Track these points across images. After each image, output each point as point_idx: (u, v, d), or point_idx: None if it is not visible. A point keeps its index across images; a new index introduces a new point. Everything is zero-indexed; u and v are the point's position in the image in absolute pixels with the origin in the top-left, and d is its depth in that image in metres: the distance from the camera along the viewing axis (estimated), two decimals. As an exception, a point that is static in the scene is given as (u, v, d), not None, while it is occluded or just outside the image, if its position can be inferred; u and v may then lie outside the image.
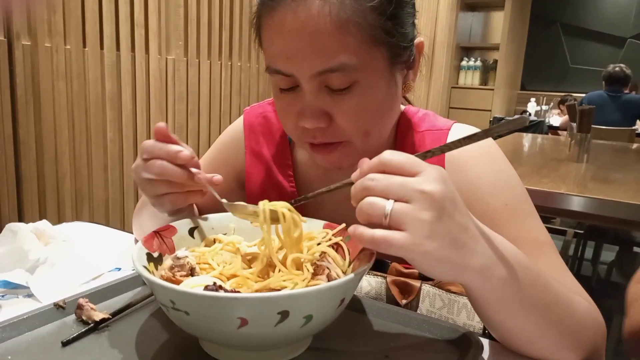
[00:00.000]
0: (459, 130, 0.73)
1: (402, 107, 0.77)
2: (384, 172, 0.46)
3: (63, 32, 1.85)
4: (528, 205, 0.67)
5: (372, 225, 0.45)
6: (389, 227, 0.44)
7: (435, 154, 0.51)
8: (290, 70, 0.60)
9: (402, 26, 0.62)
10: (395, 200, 0.44)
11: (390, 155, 0.46)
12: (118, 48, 2.04)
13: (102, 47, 1.98)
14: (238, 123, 0.87)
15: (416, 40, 0.66)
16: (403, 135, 0.73)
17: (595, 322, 0.59)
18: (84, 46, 1.93)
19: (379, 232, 0.44)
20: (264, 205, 0.57)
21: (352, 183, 0.50)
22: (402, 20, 0.62)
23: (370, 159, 0.48)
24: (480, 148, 0.68)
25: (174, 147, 0.62)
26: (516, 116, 0.47)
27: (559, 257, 0.65)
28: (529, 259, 0.53)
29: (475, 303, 0.54)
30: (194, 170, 0.63)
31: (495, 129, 0.48)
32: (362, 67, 0.59)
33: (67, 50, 1.87)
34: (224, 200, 0.65)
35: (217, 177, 0.65)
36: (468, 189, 0.65)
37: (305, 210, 0.65)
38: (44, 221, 0.82)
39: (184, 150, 0.62)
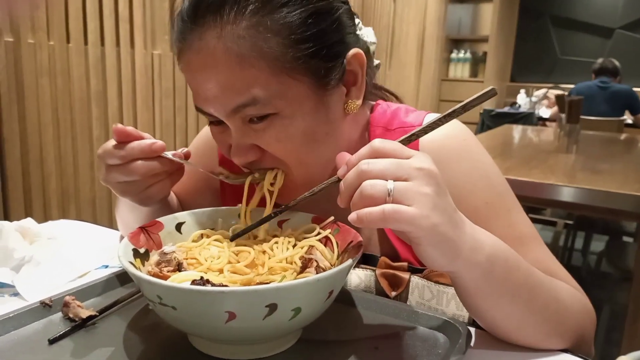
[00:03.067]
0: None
1: (372, 103, 0.74)
2: (375, 158, 0.47)
3: (46, 27, 1.82)
4: (509, 199, 0.67)
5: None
6: None
7: (419, 136, 0.52)
8: (208, 110, 0.59)
9: (321, 47, 0.57)
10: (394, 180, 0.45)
11: (381, 143, 0.47)
12: (102, 43, 2.01)
13: (86, 43, 1.95)
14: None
15: (349, 54, 0.60)
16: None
17: (583, 309, 0.60)
18: (68, 42, 1.90)
19: (388, 206, 0.44)
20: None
21: (338, 180, 0.50)
22: (320, 40, 0.57)
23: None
24: (457, 144, 0.67)
25: (146, 142, 0.62)
26: (486, 88, 0.49)
27: (545, 247, 0.65)
28: (506, 245, 0.54)
29: (463, 292, 0.54)
30: (168, 154, 0.64)
31: (471, 103, 0.49)
32: (277, 98, 0.56)
33: (50, 46, 1.84)
34: (221, 177, 0.65)
35: (185, 150, 0.66)
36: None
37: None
38: (29, 219, 0.81)
39: (156, 141, 0.62)
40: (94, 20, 1.96)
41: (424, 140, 0.57)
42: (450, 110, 0.50)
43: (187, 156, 0.65)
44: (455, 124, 0.67)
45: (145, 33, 2.15)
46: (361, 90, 0.64)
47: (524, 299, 0.54)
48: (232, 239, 0.61)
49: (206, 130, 0.85)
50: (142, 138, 0.63)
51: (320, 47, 0.57)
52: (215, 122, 0.63)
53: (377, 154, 0.47)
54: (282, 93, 0.56)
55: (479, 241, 0.50)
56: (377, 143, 0.47)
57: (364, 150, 0.48)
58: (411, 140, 0.51)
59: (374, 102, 0.74)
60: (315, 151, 0.61)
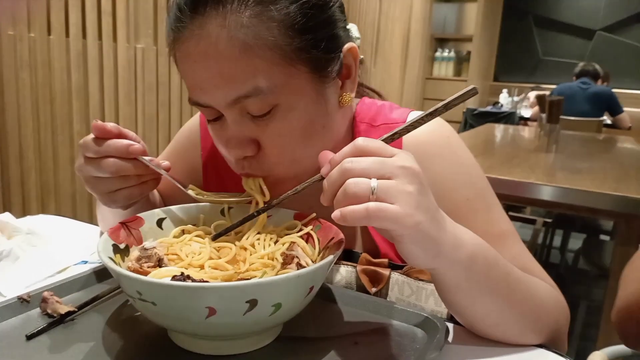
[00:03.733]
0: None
1: (357, 100, 0.74)
2: (359, 156, 0.47)
3: (27, 19, 1.79)
4: (489, 197, 0.68)
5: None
6: None
7: (401, 135, 0.52)
8: (206, 101, 0.58)
9: (321, 38, 0.58)
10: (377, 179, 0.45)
11: (364, 141, 0.48)
12: (84, 36, 1.98)
13: (67, 35, 1.92)
14: (194, 119, 0.83)
15: (345, 47, 0.61)
16: (364, 136, 0.71)
17: (557, 305, 0.61)
18: (49, 34, 1.87)
19: (372, 204, 0.44)
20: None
21: (321, 178, 0.50)
22: (320, 31, 0.58)
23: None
24: (440, 141, 0.67)
25: (123, 143, 0.61)
26: (467, 87, 0.50)
27: (523, 244, 0.67)
28: (485, 243, 0.55)
29: (443, 289, 0.55)
30: (145, 159, 0.63)
31: (453, 101, 0.49)
32: (279, 88, 0.56)
33: (31, 38, 1.81)
34: (189, 191, 0.64)
35: (165, 163, 0.65)
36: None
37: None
38: (7, 214, 0.79)
39: (134, 144, 0.62)
40: (76, 12, 1.93)
41: (407, 137, 0.57)
42: (432, 109, 0.50)
43: (166, 169, 0.65)
44: (438, 122, 0.68)
45: (128, 26, 2.13)
46: (355, 83, 0.65)
47: (502, 296, 0.55)
48: (213, 239, 0.60)
49: (189, 126, 0.84)
50: (123, 136, 0.62)
51: (320, 39, 0.57)
52: (212, 119, 0.61)
53: (360, 153, 0.47)
54: (285, 83, 0.56)
55: (460, 239, 0.51)
56: (360, 142, 0.48)
57: (347, 148, 0.48)
58: (394, 139, 0.52)
59: (359, 99, 0.75)
60: (311, 146, 0.61)
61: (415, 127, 0.52)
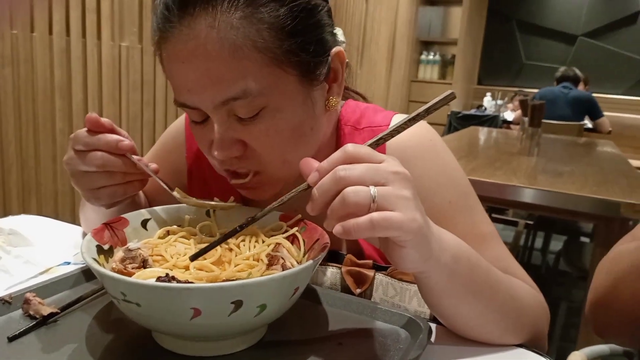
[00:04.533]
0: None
1: (342, 102, 0.74)
2: (350, 163, 0.46)
3: (9, 16, 1.76)
4: (471, 199, 0.68)
5: (347, 218, 0.44)
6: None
7: (386, 140, 0.52)
8: (193, 103, 0.57)
9: (309, 41, 0.58)
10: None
11: (354, 148, 0.47)
12: (68, 33, 1.96)
13: (50, 33, 1.90)
14: (180, 121, 0.83)
15: (333, 51, 0.62)
16: (348, 139, 0.71)
17: (538, 306, 0.62)
18: (32, 31, 1.84)
19: (375, 215, 0.43)
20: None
21: (307, 187, 0.49)
22: (309, 35, 0.58)
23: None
24: (423, 144, 0.68)
25: (113, 137, 0.61)
26: (446, 92, 0.51)
27: (504, 246, 0.68)
28: (466, 245, 0.56)
29: (428, 291, 0.55)
30: (134, 158, 0.62)
31: (433, 106, 0.49)
32: (268, 91, 0.56)
33: (13, 35, 1.78)
34: (175, 193, 0.64)
35: (154, 165, 0.65)
36: None
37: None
38: (-12, 213, 0.78)
39: (124, 140, 0.62)
40: (60, 9, 1.91)
41: (390, 141, 0.58)
42: (414, 114, 0.51)
43: (154, 171, 0.64)
44: (421, 125, 0.68)
45: (112, 24, 2.11)
46: (341, 87, 0.65)
47: (484, 297, 0.56)
48: (191, 259, 0.56)
49: (174, 127, 0.84)
50: (115, 132, 0.62)
51: (309, 42, 0.57)
52: (198, 121, 0.61)
53: (351, 159, 0.46)
54: (273, 85, 0.56)
55: (445, 241, 0.52)
56: (351, 148, 0.47)
57: (337, 155, 0.47)
58: (379, 144, 0.51)
59: (343, 101, 0.75)
60: (299, 147, 0.61)
61: (399, 132, 0.52)
